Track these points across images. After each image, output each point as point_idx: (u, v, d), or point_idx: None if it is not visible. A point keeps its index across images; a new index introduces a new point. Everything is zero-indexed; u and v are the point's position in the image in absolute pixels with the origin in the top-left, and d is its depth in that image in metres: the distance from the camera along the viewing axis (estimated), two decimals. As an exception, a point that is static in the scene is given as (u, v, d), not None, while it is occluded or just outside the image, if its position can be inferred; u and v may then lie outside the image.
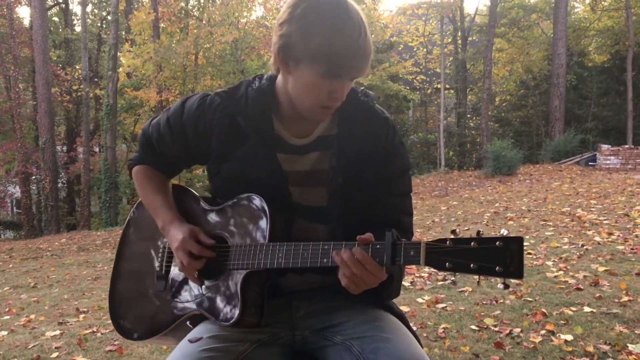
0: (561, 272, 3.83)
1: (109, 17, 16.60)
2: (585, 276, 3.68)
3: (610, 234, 5.08)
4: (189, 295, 1.22)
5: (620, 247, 4.46)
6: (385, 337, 1.09)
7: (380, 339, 1.08)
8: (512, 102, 20.85)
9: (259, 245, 1.11)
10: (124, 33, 19.81)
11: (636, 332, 2.63)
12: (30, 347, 3.17)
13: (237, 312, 1.10)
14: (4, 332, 3.62)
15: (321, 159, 1.20)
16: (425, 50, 21.44)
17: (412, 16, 20.51)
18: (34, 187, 18.93)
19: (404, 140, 1.30)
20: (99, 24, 23.33)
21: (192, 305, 1.20)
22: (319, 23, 1.03)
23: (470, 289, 3.57)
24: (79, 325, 3.64)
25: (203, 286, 1.20)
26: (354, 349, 1.09)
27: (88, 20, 20.90)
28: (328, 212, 1.19)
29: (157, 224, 1.27)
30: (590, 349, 2.46)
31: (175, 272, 1.26)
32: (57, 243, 10.45)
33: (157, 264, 1.31)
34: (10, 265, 7.72)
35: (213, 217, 1.24)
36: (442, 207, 8.91)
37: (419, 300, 3.45)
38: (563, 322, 2.84)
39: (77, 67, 20.71)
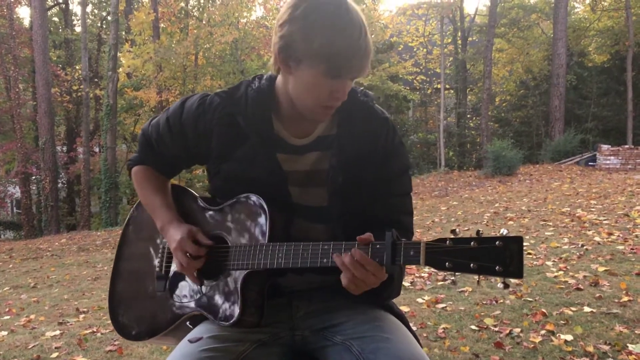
0: (561, 272, 3.83)
1: (109, 17, 16.61)
2: (585, 276, 3.68)
3: (610, 234, 5.08)
4: (189, 296, 1.22)
5: (620, 247, 4.46)
6: (385, 337, 1.09)
7: (380, 339, 1.08)
8: (512, 102, 20.85)
9: (259, 245, 1.11)
10: (124, 33, 19.82)
11: (636, 332, 2.63)
12: (30, 347, 3.18)
13: (237, 312, 1.10)
14: (4, 332, 3.62)
15: (321, 158, 1.20)
16: (425, 50, 21.45)
17: (412, 16, 20.51)
18: (34, 188, 18.93)
19: (404, 141, 1.30)
20: (99, 24, 23.34)
21: (192, 306, 1.20)
22: (320, 23, 1.03)
23: (470, 289, 3.57)
24: (79, 326, 3.64)
25: (203, 286, 1.20)
26: (354, 349, 1.09)
27: (88, 20, 20.91)
28: (328, 212, 1.19)
29: (156, 224, 1.27)
30: (590, 349, 2.46)
31: (175, 272, 1.26)
32: (57, 243, 10.45)
33: (156, 264, 1.31)
34: (10, 266, 7.72)
35: (212, 217, 1.24)
36: (442, 207, 8.91)
37: (419, 300, 3.45)
38: (563, 322, 2.84)
39: (77, 67, 20.72)
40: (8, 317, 4.23)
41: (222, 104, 1.21)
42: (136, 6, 19.36)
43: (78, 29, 21.92)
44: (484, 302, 3.28)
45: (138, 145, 1.35)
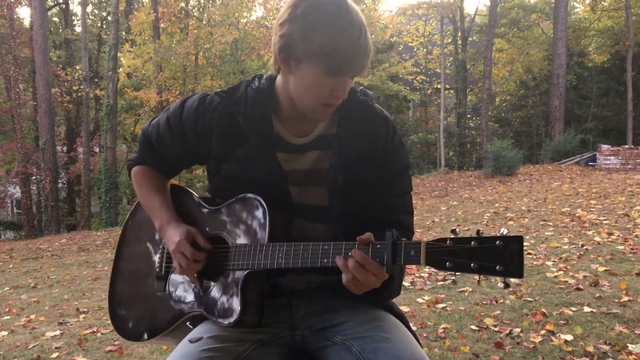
0: (561, 272, 3.83)
1: (109, 18, 16.61)
2: (585, 276, 3.68)
3: (610, 234, 5.08)
4: (189, 296, 1.22)
5: (620, 247, 4.46)
6: (385, 337, 1.09)
7: (380, 339, 1.08)
8: (512, 102, 20.85)
9: (259, 245, 1.11)
10: (124, 33, 19.82)
11: (636, 332, 2.63)
12: (30, 347, 3.18)
13: (237, 312, 1.10)
14: (4, 333, 3.62)
15: (321, 158, 1.21)
16: (425, 50, 21.44)
17: (412, 16, 20.51)
18: (34, 188, 18.93)
19: (404, 140, 1.30)
20: (99, 25, 23.34)
21: (192, 306, 1.20)
22: (320, 22, 1.04)
23: (470, 289, 3.57)
24: (79, 326, 3.64)
25: (203, 286, 1.20)
26: (354, 349, 1.09)
27: (88, 20, 20.91)
28: (328, 211, 1.19)
29: (155, 224, 1.27)
30: (590, 349, 2.46)
31: (175, 272, 1.26)
32: (57, 243, 10.45)
33: (156, 265, 1.30)
34: (11, 266, 7.72)
35: (212, 218, 1.24)
36: (442, 207, 8.91)
37: (419, 300, 3.45)
38: (563, 322, 2.84)
39: (77, 67, 20.72)
40: (8, 317, 4.23)
41: (222, 103, 1.21)
42: (136, 6, 19.37)
43: (78, 29, 21.93)
44: (484, 302, 3.28)
45: (138, 145, 1.35)
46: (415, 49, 21.61)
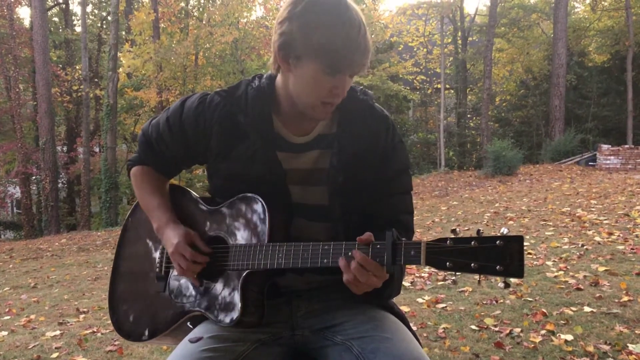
0: (561, 272, 3.83)
1: (109, 18, 16.61)
2: (585, 276, 3.68)
3: (610, 233, 5.08)
4: (189, 296, 1.22)
5: (621, 247, 4.46)
6: (385, 337, 1.09)
7: (380, 339, 1.08)
8: (512, 102, 20.85)
9: (259, 245, 1.11)
10: (124, 33, 19.82)
11: (636, 332, 2.63)
12: (30, 347, 3.17)
13: (237, 312, 1.10)
14: (4, 333, 3.62)
15: (321, 157, 1.21)
16: (425, 50, 21.43)
17: (412, 16, 20.50)
18: (34, 188, 18.94)
19: (404, 140, 1.30)
20: (99, 24, 23.34)
21: (193, 306, 1.20)
22: (320, 20, 1.04)
23: (470, 289, 3.57)
24: (79, 326, 3.64)
25: (203, 287, 1.19)
26: (354, 349, 1.09)
27: (88, 20, 20.91)
28: (329, 211, 1.19)
29: (153, 225, 1.27)
30: (591, 348, 2.45)
31: (174, 272, 1.26)
32: (57, 243, 10.45)
33: (156, 264, 1.30)
34: (11, 266, 7.72)
35: (212, 218, 1.23)
36: (442, 207, 8.91)
37: (419, 300, 3.45)
38: (563, 322, 2.84)
39: (77, 67, 20.71)
40: (8, 317, 4.23)
41: (223, 102, 1.21)
42: (136, 6, 19.36)
43: (78, 29, 21.93)
44: (484, 302, 3.28)
45: (138, 145, 1.34)
46: (415, 49, 21.60)
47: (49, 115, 14.95)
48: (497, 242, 0.89)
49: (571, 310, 3.01)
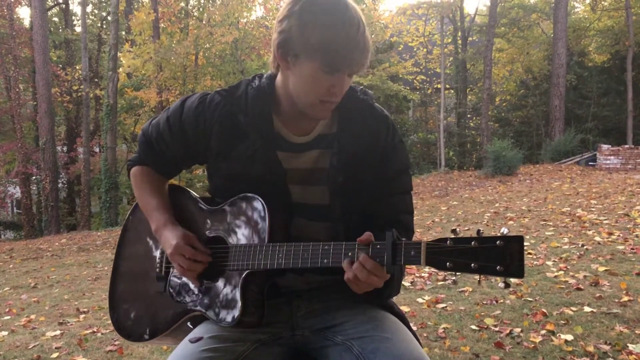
0: (561, 272, 3.83)
1: (109, 18, 16.61)
2: (585, 276, 3.68)
3: (610, 233, 5.08)
4: (189, 296, 1.22)
5: (621, 247, 4.46)
6: (385, 337, 1.09)
7: (381, 339, 1.08)
8: (512, 102, 20.85)
9: (259, 245, 1.11)
10: (124, 33, 19.82)
11: (636, 332, 2.63)
12: (30, 347, 3.17)
13: (237, 312, 1.10)
14: (5, 333, 3.62)
15: (321, 157, 1.20)
16: (425, 50, 21.43)
17: (412, 16, 20.50)
18: (34, 188, 18.94)
19: (404, 140, 1.30)
20: (99, 25, 23.33)
21: (193, 306, 1.20)
22: (318, 18, 1.04)
23: (470, 289, 3.57)
24: (79, 326, 3.64)
25: (203, 287, 1.19)
26: (355, 349, 1.09)
27: (88, 20, 20.90)
28: (329, 210, 1.19)
29: (151, 226, 1.27)
30: (591, 348, 2.45)
31: (175, 272, 1.26)
32: (57, 243, 10.45)
33: (157, 265, 1.30)
34: (11, 266, 7.72)
35: (212, 217, 1.23)
36: (442, 207, 8.91)
37: (419, 300, 3.45)
38: (563, 322, 2.84)
39: (77, 67, 20.71)
40: (8, 317, 4.23)
41: (223, 102, 1.21)
42: (136, 6, 19.36)
43: (78, 29, 21.92)
44: (484, 302, 3.28)
45: (138, 145, 1.34)
46: (415, 49, 21.60)
47: (49, 115, 14.95)
48: (497, 242, 0.89)
49: (571, 310, 3.01)
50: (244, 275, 1.11)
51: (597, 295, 3.23)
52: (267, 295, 1.15)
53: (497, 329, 2.83)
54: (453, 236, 0.94)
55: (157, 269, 1.29)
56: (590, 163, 14.25)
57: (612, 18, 19.46)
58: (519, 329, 2.78)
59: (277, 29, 1.09)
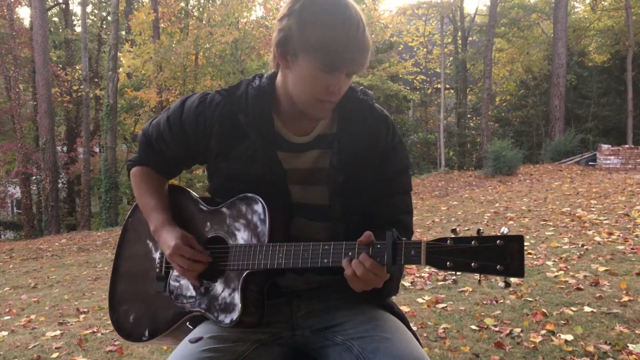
0: (561, 272, 3.83)
1: (109, 18, 16.61)
2: (585, 276, 3.68)
3: (610, 233, 5.08)
4: (189, 296, 1.22)
5: (621, 247, 4.46)
6: (385, 337, 1.09)
7: (380, 339, 1.08)
8: (512, 102, 20.85)
9: (259, 245, 1.11)
10: (124, 33, 19.82)
11: (636, 332, 2.63)
12: (30, 347, 3.17)
13: (237, 312, 1.10)
14: (5, 333, 3.62)
15: (321, 157, 1.20)
16: (425, 50, 21.43)
17: (412, 16, 20.50)
18: (34, 188, 18.94)
19: (404, 140, 1.30)
20: (99, 25, 23.33)
21: (193, 306, 1.20)
22: (318, 17, 1.04)
23: (470, 289, 3.57)
24: (79, 326, 3.64)
25: (203, 287, 1.19)
26: (354, 349, 1.09)
27: (88, 20, 20.90)
28: (329, 211, 1.19)
29: (150, 227, 1.27)
30: (591, 348, 2.45)
31: (174, 273, 1.26)
32: (57, 243, 10.45)
33: (156, 265, 1.30)
34: (11, 266, 7.72)
35: (212, 218, 1.23)
36: (442, 207, 8.91)
37: (419, 300, 3.45)
38: (563, 322, 2.84)
39: (77, 67, 20.71)
40: (8, 317, 4.23)
41: (223, 102, 1.21)
42: (136, 6, 19.37)
43: (78, 29, 21.92)
44: (484, 302, 3.28)
45: (138, 145, 1.34)
46: (415, 49, 21.60)
47: (49, 115, 14.95)
48: (498, 241, 0.89)
49: (571, 310, 3.00)
50: (244, 275, 1.11)
51: (597, 295, 3.23)
52: (267, 295, 1.15)
53: (497, 329, 2.83)
54: (453, 236, 0.94)
55: (157, 269, 1.29)
56: (590, 163, 14.25)
57: (612, 18, 19.46)
58: (519, 329, 2.78)
59: (277, 28, 1.10)
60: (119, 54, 15.37)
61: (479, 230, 0.92)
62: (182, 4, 17.26)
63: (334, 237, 1.17)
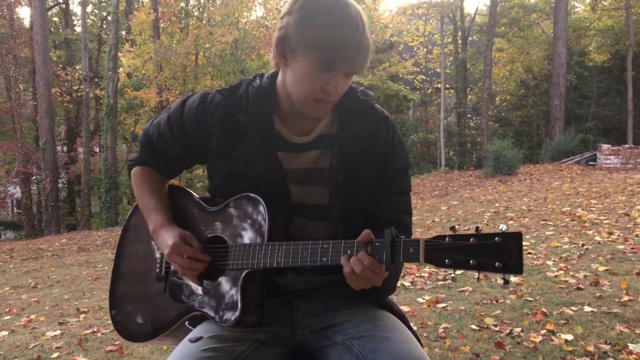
0: (561, 272, 3.83)
1: (109, 18, 16.61)
2: (585, 276, 3.68)
3: (610, 233, 5.08)
4: (189, 296, 1.22)
5: (621, 247, 4.46)
6: (385, 336, 1.09)
7: (380, 338, 1.08)
8: (512, 102, 20.85)
9: (258, 245, 1.11)
10: (124, 33, 19.83)
11: (636, 331, 2.63)
12: (30, 347, 3.17)
13: (237, 312, 1.10)
14: (5, 333, 3.62)
15: (321, 157, 1.20)
16: (425, 50, 21.44)
17: (412, 16, 20.51)
18: (34, 188, 18.94)
19: (404, 140, 1.30)
20: (99, 24, 23.33)
21: (193, 306, 1.20)
22: (317, 14, 1.04)
23: (470, 289, 3.57)
24: (79, 326, 3.64)
25: (203, 287, 1.19)
26: (354, 348, 1.09)
27: (88, 20, 20.91)
28: (329, 211, 1.19)
29: (149, 227, 1.27)
30: (591, 348, 2.45)
31: (174, 273, 1.26)
32: (57, 243, 10.45)
33: (157, 265, 1.30)
34: (11, 266, 7.72)
35: (211, 217, 1.23)
36: (442, 207, 8.91)
37: (419, 300, 3.45)
38: (563, 321, 2.84)
39: (78, 67, 20.71)
40: (8, 317, 4.23)
41: (223, 101, 1.21)
42: (136, 6, 19.37)
43: (78, 29, 21.92)
44: (485, 302, 3.28)
45: (139, 145, 1.34)
46: (415, 49, 21.61)
47: (49, 115, 14.95)
48: (496, 238, 0.89)
49: (571, 309, 3.00)
50: (243, 275, 1.11)
51: (598, 294, 3.23)
52: (267, 295, 1.15)
53: (497, 328, 2.83)
54: (452, 233, 0.94)
55: (157, 269, 1.29)
56: (590, 163, 14.24)
57: (612, 18, 19.45)
58: (519, 329, 2.78)
59: (277, 26, 1.10)
60: (119, 54, 15.37)
61: (477, 228, 0.92)
62: (182, 4, 17.26)
63: (333, 237, 1.17)
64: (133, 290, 1.33)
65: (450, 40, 21.63)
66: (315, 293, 1.23)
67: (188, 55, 15.21)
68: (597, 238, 4.92)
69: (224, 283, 1.15)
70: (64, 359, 2.95)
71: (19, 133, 16.33)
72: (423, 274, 4.11)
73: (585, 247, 4.59)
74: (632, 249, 4.36)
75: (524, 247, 0.83)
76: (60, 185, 18.22)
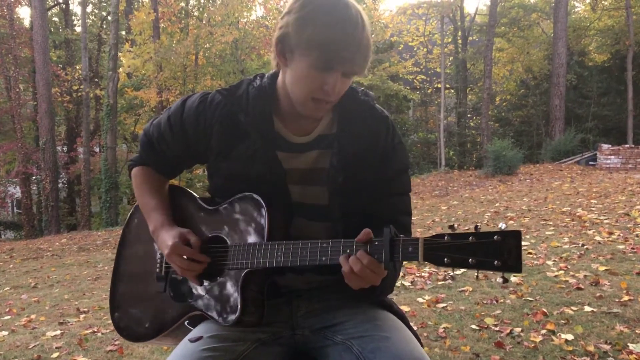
0: (562, 272, 3.83)
1: (109, 18, 16.61)
2: (585, 276, 3.68)
3: (610, 233, 5.08)
4: (189, 296, 1.21)
5: (621, 247, 4.46)
6: (385, 336, 1.09)
7: (380, 338, 1.08)
8: (513, 102, 20.84)
9: (258, 244, 1.11)
10: (124, 33, 19.83)
11: (637, 331, 2.63)
12: (30, 347, 3.17)
13: (237, 311, 1.10)
14: (5, 332, 3.62)
15: (321, 157, 1.20)
16: (425, 50, 21.44)
17: (412, 16, 20.51)
18: (34, 188, 18.94)
19: (404, 140, 1.30)
20: (99, 24, 23.33)
21: (192, 306, 1.20)
22: (317, 14, 1.04)
23: (470, 289, 3.57)
24: (79, 325, 3.64)
25: (203, 286, 1.19)
26: (354, 348, 1.09)
27: (88, 20, 20.91)
28: (329, 211, 1.19)
29: (149, 227, 1.27)
30: (591, 348, 2.45)
31: (174, 272, 1.26)
32: (57, 243, 10.45)
33: (157, 265, 1.30)
34: (11, 266, 7.72)
35: (211, 217, 1.23)
36: (442, 206, 8.90)
37: (420, 299, 3.45)
38: (563, 321, 2.84)
39: (78, 67, 20.71)
40: (9, 317, 4.23)
41: (224, 101, 1.21)
42: (136, 6, 19.37)
43: (78, 29, 21.92)
44: (485, 302, 3.28)
45: (139, 145, 1.34)
46: (415, 49, 21.61)
47: (49, 115, 14.95)
48: (495, 237, 0.89)
49: (571, 309, 3.00)
50: (243, 275, 1.11)
51: (598, 294, 3.23)
52: (267, 295, 1.15)
53: (497, 328, 2.83)
54: (451, 232, 0.94)
55: (157, 269, 1.29)
56: (590, 163, 14.24)
57: (613, 17, 19.45)
58: (519, 329, 2.78)
59: (277, 25, 1.10)
60: (119, 54, 15.37)
61: (476, 227, 0.92)
62: (182, 4, 17.26)
63: (333, 237, 1.16)
64: (133, 290, 1.33)
65: (450, 40, 21.63)
66: (316, 293, 1.23)
67: (188, 55, 15.22)
68: (597, 238, 4.92)
69: (224, 283, 1.15)
70: (64, 359, 2.95)
71: (19, 133, 16.33)
72: (423, 274, 4.11)
73: (585, 247, 4.59)
74: (632, 248, 4.36)
75: (524, 247, 0.83)
76: (60, 185, 18.23)
